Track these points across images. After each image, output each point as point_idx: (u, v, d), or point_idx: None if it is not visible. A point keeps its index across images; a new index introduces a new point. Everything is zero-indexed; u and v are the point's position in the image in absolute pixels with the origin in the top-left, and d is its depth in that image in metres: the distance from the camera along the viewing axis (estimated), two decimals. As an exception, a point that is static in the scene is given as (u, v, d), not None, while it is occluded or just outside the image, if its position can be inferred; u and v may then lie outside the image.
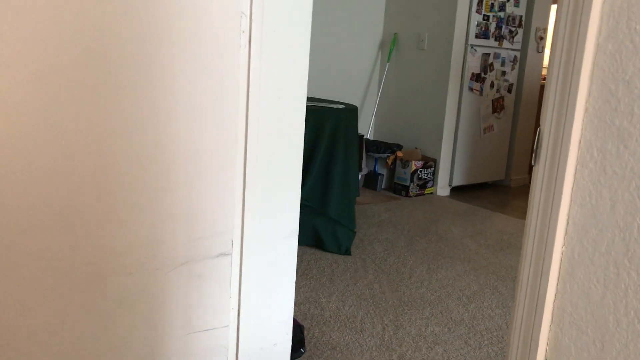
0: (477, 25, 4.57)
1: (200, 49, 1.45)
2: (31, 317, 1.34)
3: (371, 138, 5.03)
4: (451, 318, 2.51)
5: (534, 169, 0.93)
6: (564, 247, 0.90)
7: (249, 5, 1.54)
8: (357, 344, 2.24)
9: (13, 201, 1.26)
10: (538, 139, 0.91)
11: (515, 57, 4.91)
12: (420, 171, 4.54)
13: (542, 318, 0.91)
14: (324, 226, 3.25)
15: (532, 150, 5.27)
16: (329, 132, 3.34)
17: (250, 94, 1.57)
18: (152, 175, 1.44)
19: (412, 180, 4.51)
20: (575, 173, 0.88)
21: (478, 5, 4.53)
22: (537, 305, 0.92)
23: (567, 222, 0.89)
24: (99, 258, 1.40)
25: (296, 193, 1.75)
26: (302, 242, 3.22)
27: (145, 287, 1.49)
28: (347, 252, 3.19)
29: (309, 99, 3.89)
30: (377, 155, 4.63)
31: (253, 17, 1.55)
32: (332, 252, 3.20)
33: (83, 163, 1.34)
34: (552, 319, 0.92)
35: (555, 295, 0.92)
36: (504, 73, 4.88)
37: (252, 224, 1.66)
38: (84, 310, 1.41)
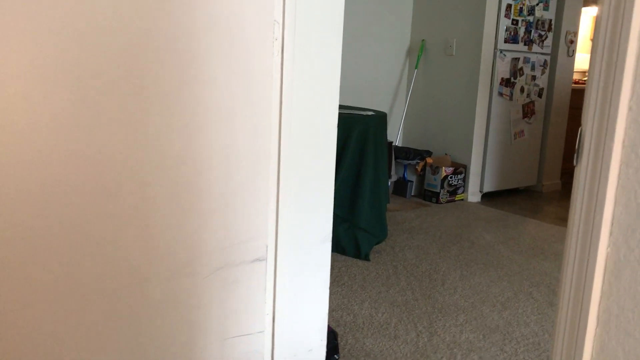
0: (506, 30, 4.53)
1: (233, 56, 1.47)
2: (71, 325, 1.36)
3: (400, 145, 5.01)
4: (486, 325, 2.48)
5: (576, 170, 0.92)
6: (608, 249, 0.88)
7: (281, 13, 1.55)
8: (391, 350, 2.22)
9: (52, 209, 1.29)
10: (580, 139, 0.90)
11: (546, 61, 4.85)
12: (451, 177, 4.50)
13: (587, 321, 0.90)
14: (344, 232, 3.25)
15: (568, 152, 5.17)
16: (357, 139, 3.34)
17: (283, 100, 1.59)
18: (188, 181, 1.46)
19: (442, 187, 4.48)
20: (620, 173, 0.86)
21: (507, 9, 4.50)
22: (581, 309, 0.91)
23: (612, 223, 0.88)
24: (137, 265, 1.43)
25: (329, 198, 1.75)
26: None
27: (182, 293, 1.51)
28: (366, 258, 3.18)
29: (339, 106, 3.90)
30: (406, 162, 4.62)
31: (285, 25, 1.56)
32: (352, 257, 3.21)
33: (118, 169, 1.36)
34: (597, 322, 0.90)
35: (601, 297, 0.90)
36: (534, 77, 4.82)
37: (286, 229, 1.67)
38: (122, 317, 1.43)
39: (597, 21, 0.86)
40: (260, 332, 1.68)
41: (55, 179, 1.28)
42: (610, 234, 0.88)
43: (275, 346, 1.73)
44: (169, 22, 1.37)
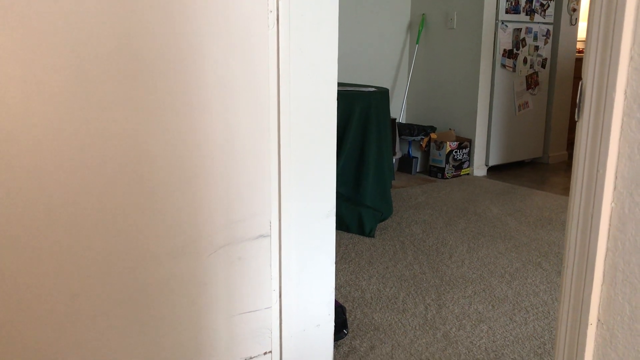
0: (507, 0, 4.46)
1: (228, 29, 1.45)
2: (78, 303, 1.36)
3: (403, 121, 4.98)
4: (495, 295, 2.47)
5: (578, 125, 0.90)
6: (613, 203, 0.87)
7: (275, -16, 1.53)
8: (399, 324, 2.22)
9: (54, 190, 1.29)
10: (581, 93, 0.88)
11: (548, 31, 4.79)
12: (456, 152, 4.47)
13: (592, 278, 0.88)
14: (347, 210, 3.24)
15: (574, 122, 5.11)
16: (359, 116, 3.31)
17: (280, 73, 1.57)
18: (188, 159, 1.45)
19: (447, 162, 4.46)
20: (622, 125, 0.84)
21: (507, -21, 4.43)
22: (587, 265, 0.89)
23: (616, 177, 0.86)
24: (141, 242, 1.42)
25: (331, 173, 1.73)
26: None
27: (187, 271, 1.51)
28: (370, 234, 3.17)
29: (340, 84, 3.87)
30: (410, 138, 4.59)
31: (280, -3, 1.54)
32: (356, 234, 3.20)
33: (119, 150, 1.35)
34: (603, 279, 0.89)
35: (606, 253, 0.88)
36: (537, 48, 4.76)
37: (289, 205, 1.66)
38: (128, 295, 1.43)
39: (595, -32, 0.84)
40: (268, 308, 1.68)
41: (56, 156, 1.28)
42: (615, 188, 0.86)
43: (283, 322, 1.72)
44: (165, 1, 1.35)
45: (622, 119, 0.84)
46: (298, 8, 1.58)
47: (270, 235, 1.64)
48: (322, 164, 1.70)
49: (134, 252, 1.42)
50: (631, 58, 0.81)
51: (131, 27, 1.32)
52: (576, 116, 0.90)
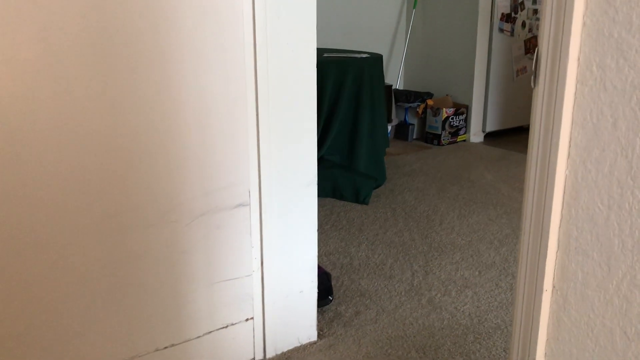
0: (506, -37, 4.38)
1: (202, -2, 1.44)
2: (55, 271, 1.38)
3: (400, 88, 4.94)
4: (482, 262, 2.49)
5: (534, 92, 0.90)
6: (567, 171, 0.87)
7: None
8: (385, 289, 2.25)
9: (27, 162, 1.30)
10: (536, 60, 0.87)
11: (548, -7, 4.70)
12: (452, 119, 4.45)
13: (547, 245, 0.89)
14: (342, 178, 3.24)
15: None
16: (352, 83, 3.29)
17: (257, 39, 1.55)
18: (164, 127, 1.45)
19: (443, 129, 4.44)
20: (576, 92, 0.84)
21: (505, -60, 4.33)
22: (542, 233, 0.90)
23: (569, 145, 0.86)
24: (118, 211, 1.43)
25: (312, 141, 1.73)
26: (323, 194, 3.22)
27: (165, 239, 1.52)
28: (364, 201, 3.18)
29: (333, 50, 3.83)
30: (407, 105, 4.56)
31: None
32: (351, 201, 3.21)
33: (93, 120, 1.36)
34: (558, 246, 0.90)
35: (561, 221, 0.89)
36: (535, 11, 4.68)
37: (269, 174, 1.66)
38: (104, 266, 1.45)
39: None
40: (248, 275, 1.70)
41: (29, 128, 1.28)
42: (568, 155, 0.86)
43: (266, 288, 1.75)
44: (130, -36, 1.33)
45: (576, 86, 0.84)
46: (274, -26, 1.56)
47: (250, 205, 1.65)
48: (302, 132, 1.70)
49: (111, 221, 1.43)
50: (584, 24, 0.80)
51: (100, -5, 1.31)
52: (532, 84, 0.89)
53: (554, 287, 0.91)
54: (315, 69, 1.69)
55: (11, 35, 1.22)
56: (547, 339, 0.93)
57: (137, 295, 1.51)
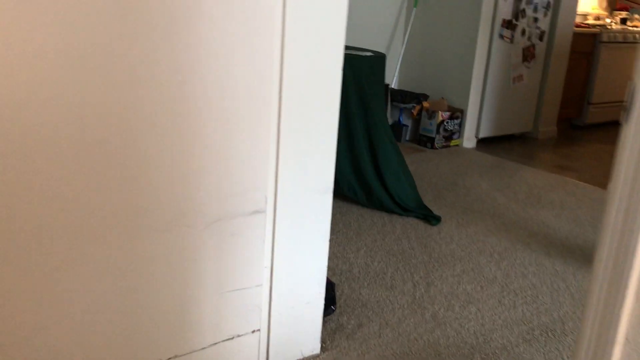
0: (511, -32, 4.32)
1: (233, -10, 1.34)
2: (67, 275, 1.28)
3: (396, 87, 4.87)
4: (483, 276, 2.44)
5: (623, 129, 0.82)
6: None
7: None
8: (387, 301, 2.18)
9: (41, 164, 1.19)
10: (630, 94, 0.80)
11: (549, 2, 4.67)
12: (447, 122, 4.40)
13: (625, 294, 0.82)
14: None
15: (566, 98, 5.04)
16: (352, 82, 3.19)
17: (285, 41, 1.46)
18: (182, 129, 1.35)
19: (438, 132, 4.38)
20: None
21: (512, -54, 4.28)
22: (620, 280, 0.83)
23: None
24: (130, 216, 1.33)
25: (332, 146, 1.65)
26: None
27: (177, 245, 1.42)
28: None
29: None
30: (402, 105, 4.49)
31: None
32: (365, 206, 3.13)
33: (108, 116, 1.25)
34: (636, 296, 0.83)
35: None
36: (536, 20, 4.65)
37: (286, 179, 1.57)
38: (116, 269, 1.35)
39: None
40: (259, 285, 1.61)
41: (45, 126, 1.17)
42: (659, 201, 0.79)
43: (273, 299, 1.66)
44: (161, -51, 1.22)
45: (676, 128, 0.77)
46: (307, -31, 1.46)
47: (266, 211, 1.56)
48: (323, 139, 1.61)
49: (124, 225, 1.33)
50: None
51: (127, -20, 1.20)
52: (622, 119, 0.82)
53: (626, 339, 0.85)
54: (341, 71, 1.60)
55: (30, 32, 1.11)
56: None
57: (142, 303, 1.41)
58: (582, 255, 2.72)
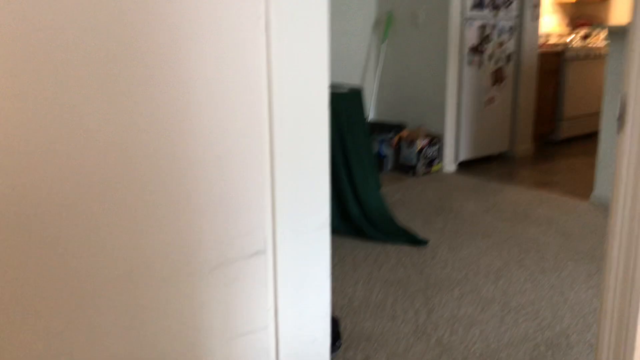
0: (472, -4, 4.47)
1: (220, 38, 1.37)
2: (69, 330, 1.26)
3: (373, 120, 4.94)
4: (482, 296, 2.45)
5: (619, 137, 0.85)
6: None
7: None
8: (391, 332, 2.17)
9: (34, 210, 1.18)
10: (622, 105, 0.84)
11: (512, 26, 4.83)
12: (426, 149, 4.46)
13: (637, 322, 0.84)
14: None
15: (539, 116, 5.15)
16: (332, 118, 3.24)
17: (272, 83, 1.49)
18: (181, 176, 1.36)
19: (418, 159, 4.44)
20: (669, 138, 0.80)
21: (472, -25, 4.43)
22: (629, 306, 0.85)
23: (661, 193, 0.82)
24: (130, 268, 1.32)
25: (325, 182, 1.67)
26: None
27: (181, 294, 1.41)
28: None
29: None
30: (381, 137, 4.55)
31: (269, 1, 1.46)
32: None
33: (104, 164, 1.25)
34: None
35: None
36: (501, 44, 4.79)
37: (284, 217, 1.58)
38: (120, 322, 1.33)
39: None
40: (264, 327, 1.60)
41: (36, 175, 1.17)
42: (660, 204, 0.82)
43: (280, 340, 1.65)
44: (155, 4, 1.25)
45: (669, 133, 0.80)
46: (286, 13, 1.50)
47: (266, 252, 1.56)
48: (316, 174, 1.63)
49: (121, 277, 1.32)
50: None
51: (116, 32, 1.22)
52: (617, 129, 0.85)
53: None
54: (327, 109, 1.64)
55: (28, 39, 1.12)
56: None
57: (151, 353, 1.39)
58: (575, 267, 2.75)
